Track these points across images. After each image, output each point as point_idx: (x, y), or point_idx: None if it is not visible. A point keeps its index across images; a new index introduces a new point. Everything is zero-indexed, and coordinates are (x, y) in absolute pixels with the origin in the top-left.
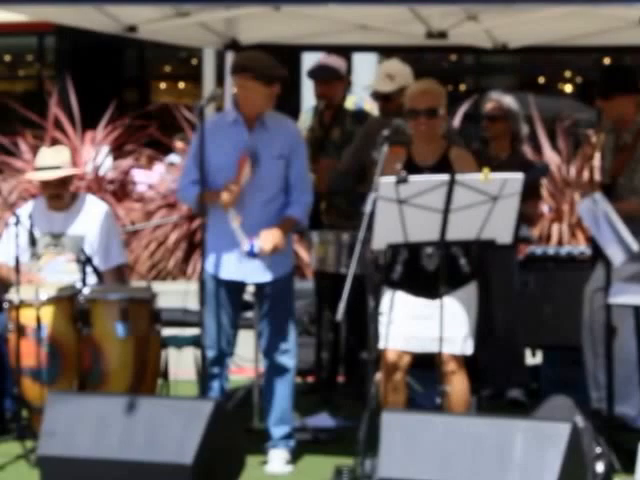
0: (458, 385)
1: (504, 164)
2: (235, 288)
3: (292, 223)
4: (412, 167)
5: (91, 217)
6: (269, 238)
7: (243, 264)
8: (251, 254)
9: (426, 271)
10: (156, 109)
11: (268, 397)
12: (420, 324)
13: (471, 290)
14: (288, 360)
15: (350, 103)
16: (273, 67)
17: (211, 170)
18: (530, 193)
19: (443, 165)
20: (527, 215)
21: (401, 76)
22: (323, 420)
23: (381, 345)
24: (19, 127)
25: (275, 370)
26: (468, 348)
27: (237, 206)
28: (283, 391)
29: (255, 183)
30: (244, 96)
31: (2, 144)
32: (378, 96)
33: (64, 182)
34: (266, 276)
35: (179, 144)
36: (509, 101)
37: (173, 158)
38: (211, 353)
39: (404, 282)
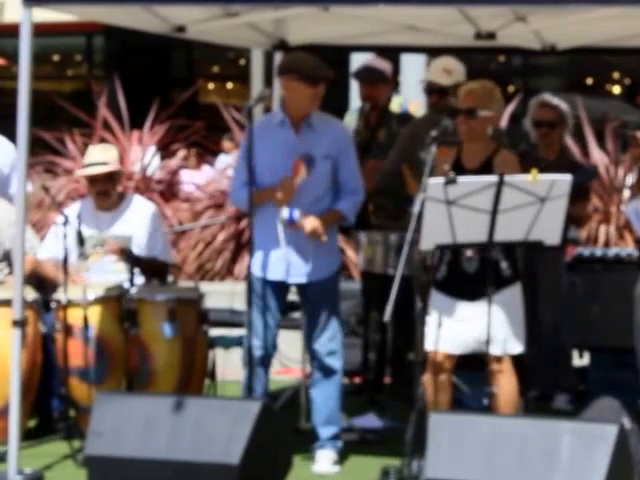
0: (506, 386)
1: (552, 165)
2: (280, 288)
3: (337, 215)
4: (459, 168)
5: (138, 217)
6: (311, 219)
7: (286, 264)
8: (290, 220)
9: (466, 273)
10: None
11: (315, 398)
12: (462, 326)
13: (513, 292)
14: (335, 361)
15: (395, 105)
16: (318, 68)
17: (259, 171)
18: (579, 195)
19: (486, 169)
20: (575, 217)
21: (457, 72)
22: (370, 421)
23: (429, 347)
24: (67, 127)
25: (322, 371)
26: (510, 348)
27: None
28: (330, 392)
29: (303, 183)
30: (289, 97)
31: (51, 145)
32: (433, 89)
33: (111, 179)
34: (307, 277)
35: (227, 144)
36: (564, 106)
37: (223, 159)
38: (258, 352)
39: (446, 284)
